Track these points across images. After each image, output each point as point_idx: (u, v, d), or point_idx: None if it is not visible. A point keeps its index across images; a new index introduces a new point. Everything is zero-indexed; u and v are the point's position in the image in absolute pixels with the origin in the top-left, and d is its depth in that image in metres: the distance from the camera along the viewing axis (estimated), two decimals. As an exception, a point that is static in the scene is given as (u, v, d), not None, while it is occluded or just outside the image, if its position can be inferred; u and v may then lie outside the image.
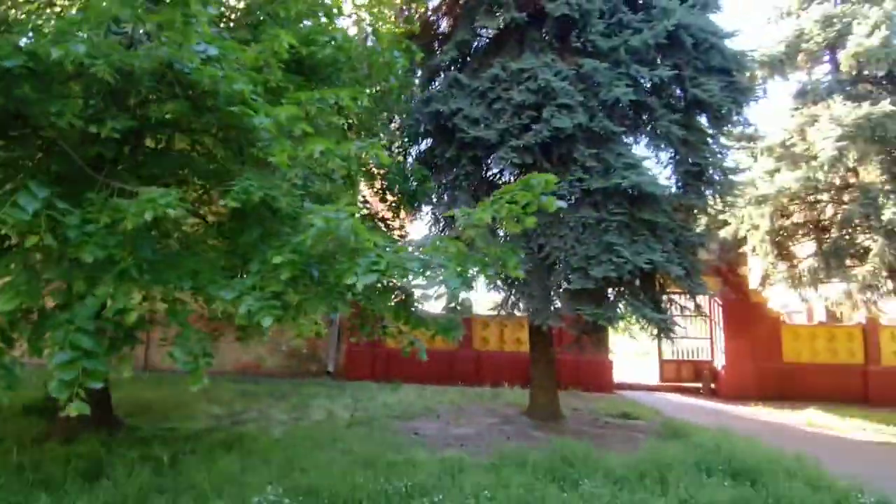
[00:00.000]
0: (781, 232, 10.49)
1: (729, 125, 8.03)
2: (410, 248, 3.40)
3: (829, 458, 7.07)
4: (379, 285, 3.64)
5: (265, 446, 6.07)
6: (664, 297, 6.87)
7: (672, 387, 13.66)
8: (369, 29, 5.34)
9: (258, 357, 13.58)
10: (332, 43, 4.60)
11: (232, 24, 5.33)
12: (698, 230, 10.62)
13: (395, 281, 3.06)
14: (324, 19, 5.02)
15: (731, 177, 8.12)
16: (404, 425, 8.04)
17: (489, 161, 6.16)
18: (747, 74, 11.09)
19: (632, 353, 19.71)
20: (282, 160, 3.32)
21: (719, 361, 13.59)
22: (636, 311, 5.99)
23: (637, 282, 6.55)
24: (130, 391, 9.46)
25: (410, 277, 2.97)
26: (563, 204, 3.10)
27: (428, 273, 2.94)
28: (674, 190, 7.63)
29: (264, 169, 3.74)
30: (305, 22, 5.40)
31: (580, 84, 6.40)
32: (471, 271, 3.54)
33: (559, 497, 4.33)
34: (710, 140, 7.63)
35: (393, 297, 3.61)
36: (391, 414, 8.75)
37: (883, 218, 7.44)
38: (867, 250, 8.08)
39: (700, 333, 14.33)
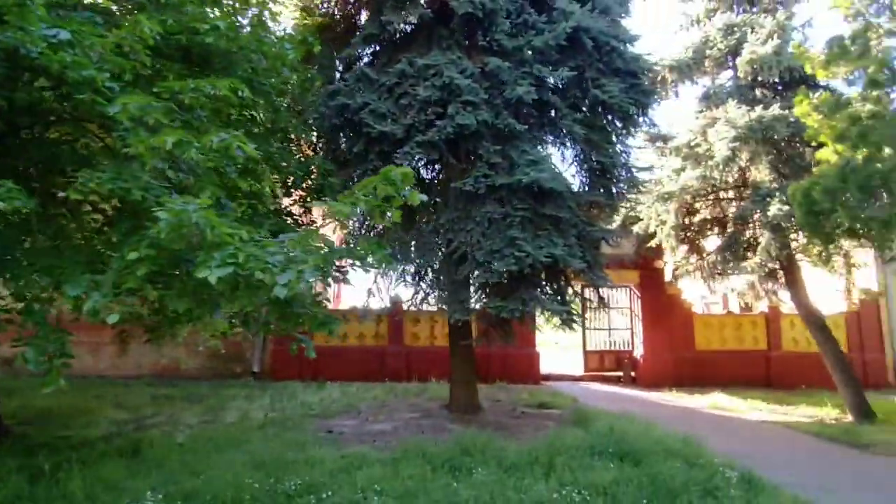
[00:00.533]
0: (692, 227, 11.11)
1: (634, 126, 8.41)
2: (287, 243, 3.34)
3: (722, 438, 7.62)
4: (257, 282, 3.56)
5: (163, 452, 5.83)
6: (570, 290, 7.14)
7: (595, 376, 14.22)
8: (260, 18, 5.19)
9: (177, 359, 13.02)
10: (216, 31, 4.44)
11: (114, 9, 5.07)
12: (611, 226, 11.09)
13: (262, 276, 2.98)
14: (212, 11, 4.85)
15: (636, 174, 8.56)
16: (321, 424, 7.95)
17: (396, 156, 6.17)
18: (658, 77, 11.72)
19: (564, 346, 20.44)
20: (142, 150, 3.19)
21: (639, 351, 14.29)
22: (539, 304, 6.18)
23: (542, 275, 6.75)
24: (29, 398, 8.85)
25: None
26: (423, 197, 3.13)
27: (290, 267, 2.90)
28: (586, 188, 7.94)
29: (129, 160, 3.58)
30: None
31: (485, 82, 6.53)
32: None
33: (448, 487, 4.42)
34: (615, 139, 7.98)
35: (265, 292, 3.53)
36: (310, 413, 8.62)
37: (769, 213, 8.04)
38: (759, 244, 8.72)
39: (622, 325, 14.99)
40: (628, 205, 10.99)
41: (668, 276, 14.05)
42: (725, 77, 11.71)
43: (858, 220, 5.35)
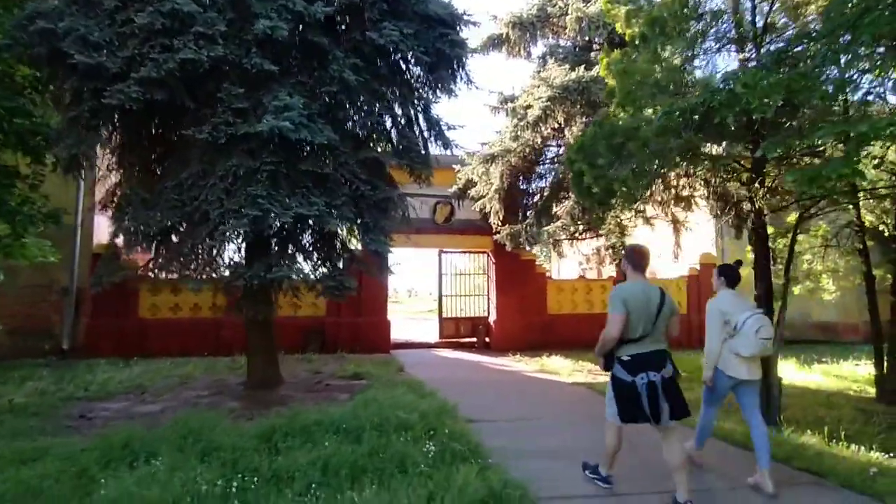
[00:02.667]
0: (531, 191, 10.96)
1: (444, 80, 7.86)
2: None
3: (515, 402, 7.52)
4: None
5: None
6: (345, 255, 6.57)
7: (451, 343, 14.11)
8: None
9: (-31, 337, 11.30)
10: None
11: None
12: (451, 188, 10.66)
13: None
14: None
15: (447, 133, 8.09)
16: (83, 407, 6.97)
17: (105, 95, 5.17)
18: (503, 34, 11.28)
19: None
20: None
21: (493, 316, 14.32)
22: (290, 271, 5.54)
23: (310, 239, 6.13)
24: None
25: None
26: None
27: None
28: (372, 143, 7.31)
29: None
30: None
31: (231, 13, 5.63)
32: None
33: (92, 483, 3.76)
34: (416, 92, 7.41)
35: None
36: (78, 395, 7.59)
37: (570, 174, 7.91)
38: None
39: (481, 291, 14.92)
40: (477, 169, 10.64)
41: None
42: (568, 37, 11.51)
43: (603, 180, 5.14)
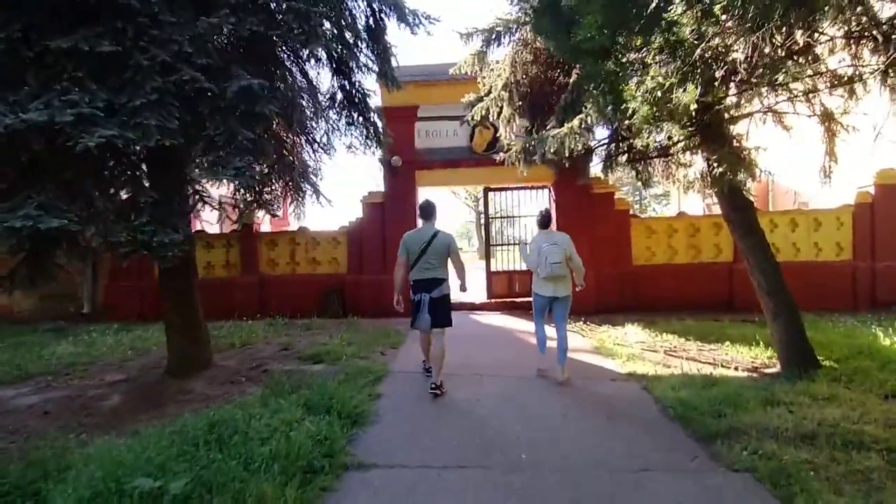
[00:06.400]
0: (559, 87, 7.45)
1: None
2: None
3: (499, 413, 4.73)
4: None
5: None
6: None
7: (502, 303, 11.28)
8: None
9: (12, 300, 11.38)
10: None
11: None
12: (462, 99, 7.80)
13: None
14: None
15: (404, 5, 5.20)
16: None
17: None
18: None
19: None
20: None
21: (557, 269, 11.11)
22: (94, 222, 3.34)
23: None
24: None
25: None
26: None
27: None
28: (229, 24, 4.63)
29: None
30: None
31: None
32: None
33: None
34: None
35: None
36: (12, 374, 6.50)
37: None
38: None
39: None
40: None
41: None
42: None
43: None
